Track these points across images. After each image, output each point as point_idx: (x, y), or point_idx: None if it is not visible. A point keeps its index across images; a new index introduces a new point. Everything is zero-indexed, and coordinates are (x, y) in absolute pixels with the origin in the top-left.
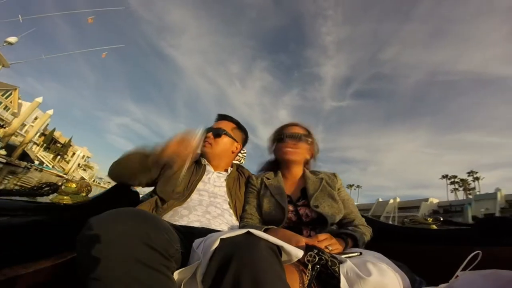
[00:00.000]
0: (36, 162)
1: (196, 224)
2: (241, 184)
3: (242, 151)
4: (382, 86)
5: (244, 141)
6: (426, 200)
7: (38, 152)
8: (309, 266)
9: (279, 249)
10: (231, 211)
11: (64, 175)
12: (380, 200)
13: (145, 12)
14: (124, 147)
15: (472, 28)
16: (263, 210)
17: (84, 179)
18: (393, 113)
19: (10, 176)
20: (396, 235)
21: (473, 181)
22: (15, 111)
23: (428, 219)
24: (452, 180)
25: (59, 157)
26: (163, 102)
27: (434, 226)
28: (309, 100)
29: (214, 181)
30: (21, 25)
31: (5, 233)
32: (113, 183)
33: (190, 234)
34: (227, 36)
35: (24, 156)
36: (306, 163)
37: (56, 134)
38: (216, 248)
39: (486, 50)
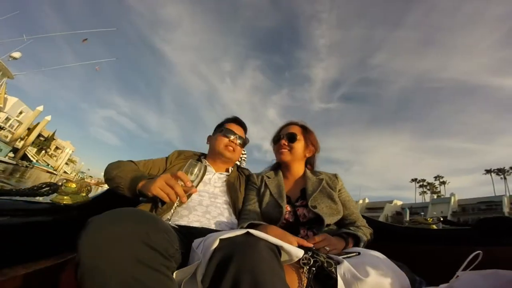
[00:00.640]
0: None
1: (196, 224)
2: (242, 184)
3: (242, 151)
4: (369, 91)
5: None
6: (391, 202)
7: (23, 147)
8: (305, 269)
9: (278, 249)
10: (231, 211)
11: (54, 171)
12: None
13: (138, 4)
14: (109, 140)
15: (459, 38)
16: (262, 209)
17: (66, 173)
18: (378, 117)
19: (16, 176)
20: (396, 235)
21: (440, 185)
22: (1, 105)
23: (428, 219)
24: (421, 183)
25: (43, 151)
26: (151, 96)
27: (434, 226)
28: (298, 100)
29: (215, 182)
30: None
31: (5, 233)
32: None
33: (190, 234)
34: (222, 33)
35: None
36: (309, 162)
37: (32, 122)
38: (215, 248)
39: (471, 59)
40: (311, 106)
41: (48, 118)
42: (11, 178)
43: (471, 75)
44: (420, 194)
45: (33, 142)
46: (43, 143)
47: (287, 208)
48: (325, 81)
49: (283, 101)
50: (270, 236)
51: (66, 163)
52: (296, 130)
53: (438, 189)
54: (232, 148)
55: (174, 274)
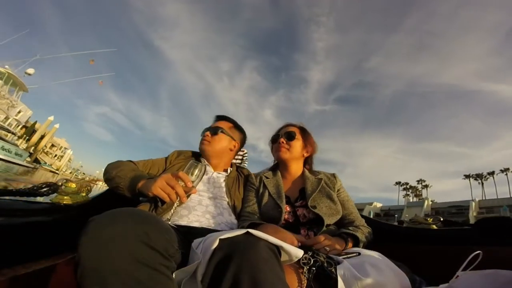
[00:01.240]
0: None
1: (195, 224)
2: (240, 183)
3: (242, 151)
4: (363, 94)
5: (242, 140)
6: (371, 203)
7: (20, 145)
8: (305, 269)
9: (278, 249)
10: (231, 210)
11: (56, 171)
12: None
13: (138, 1)
14: (103, 136)
15: (453, 44)
16: (261, 209)
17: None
18: (371, 120)
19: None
20: (396, 235)
21: (422, 188)
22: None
23: (428, 219)
24: (404, 186)
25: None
26: (146, 93)
27: (434, 226)
28: (294, 102)
29: (214, 182)
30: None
31: (5, 233)
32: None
33: (189, 234)
34: (220, 33)
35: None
36: (306, 162)
37: (36, 125)
38: (215, 248)
39: (464, 65)
40: (307, 108)
41: (57, 126)
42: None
43: (463, 81)
44: (403, 197)
45: (28, 140)
46: (39, 141)
47: (286, 208)
48: (321, 83)
49: (279, 102)
50: (270, 236)
51: (56, 156)
52: (294, 130)
53: (421, 192)
54: (205, 141)
55: (174, 274)
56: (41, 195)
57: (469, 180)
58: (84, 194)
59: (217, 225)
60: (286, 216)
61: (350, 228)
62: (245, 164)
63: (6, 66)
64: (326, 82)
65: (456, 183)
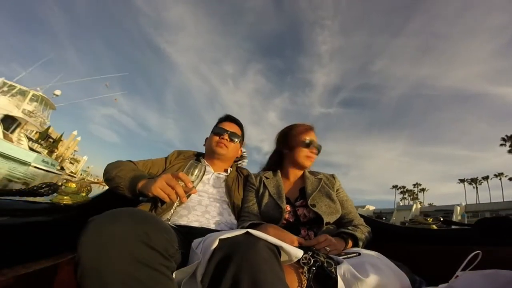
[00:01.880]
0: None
1: (195, 224)
2: (240, 184)
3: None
4: (368, 96)
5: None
6: (363, 206)
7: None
8: (305, 269)
9: (278, 249)
10: (230, 211)
11: (74, 175)
12: None
13: (144, 5)
14: (109, 138)
15: (458, 46)
16: (261, 210)
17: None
18: (376, 123)
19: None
20: (396, 235)
21: (419, 191)
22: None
23: (428, 219)
24: (401, 190)
25: (53, 153)
26: (152, 96)
27: (434, 226)
28: (299, 104)
29: (214, 182)
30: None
31: (5, 233)
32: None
33: (189, 234)
34: (225, 36)
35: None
36: None
37: (50, 129)
38: (215, 249)
39: (468, 68)
40: (311, 110)
41: (79, 138)
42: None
43: (469, 83)
44: (401, 200)
45: (43, 145)
46: (52, 145)
47: (287, 208)
48: (326, 86)
49: (284, 104)
50: (269, 236)
51: (71, 163)
52: (316, 139)
53: (418, 196)
54: (223, 144)
55: (174, 274)
56: (41, 195)
57: (464, 184)
58: (84, 194)
59: (217, 225)
60: (286, 216)
61: (350, 227)
62: (244, 164)
63: (38, 89)
64: (331, 85)
65: (460, 187)
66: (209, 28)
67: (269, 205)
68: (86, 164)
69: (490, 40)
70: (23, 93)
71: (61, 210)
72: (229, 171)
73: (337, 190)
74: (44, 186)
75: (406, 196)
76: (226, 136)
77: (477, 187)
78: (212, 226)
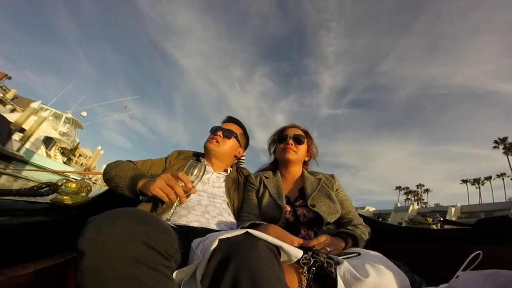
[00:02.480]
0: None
1: (195, 224)
2: (240, 184)
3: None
4: (376, 97)
5: (246, 147)
6: (363, 208)
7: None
8: (305, 269)
9: (278, 249)
10: (230, 211)
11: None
12: None
13: (151, 11)
14: (121, 143)
15: (466, 44)
16: (261, 209)
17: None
18: (385, 123)
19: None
20: (396, 235)
21: (424, 192)
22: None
23: (428, 219)
24: (405, 191)
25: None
26: (162, 100)
27: (434, 226)
28: (306, 106)
29: (213, 182)
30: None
31: (5, 233)
32: None
33: (189, 234)
34: (231, 41)
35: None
36: (305, 164)
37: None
38: (215, 249)
39: (477, 66)
40: (319, 112)
41: (102, 152)
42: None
43: (478, 82)
44: (405, 201)
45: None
46: (69, 153)
47: (287, 208)
48: (333, 87)
49: (291, 106)
50: (269, 236)
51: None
52: (301, 133)
53: (422, 197)
54: (215, 141)
55: (174, 274)
56: (41, 195)
57: (466, 184)
58: (84, 194)
59: (217, 225)
60: (286, 216)
61: (349, 227)
62: (241, 165)
63: (68, 111)
64: (337, 86)
65: (465, 187)
66: (215, 33)
67: (269, 205)
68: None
69: (498, 38)
70: (57, 116)
71: (61, 210)
72: (229, 171)
73: (336, 190)
74: (44, 186)
75: (410, 197)
76: (219, 133)
77: (479, 188)
78: (212, 226)
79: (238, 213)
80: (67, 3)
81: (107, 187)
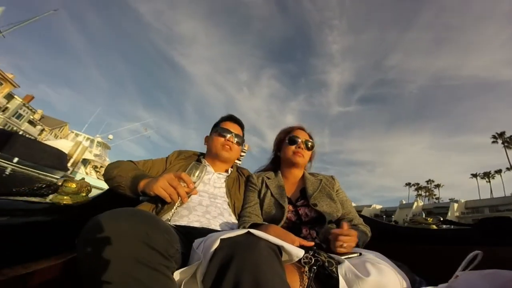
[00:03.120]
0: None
1: (196, 224)
2: (241, 184)
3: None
4: (387, 91)
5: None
6: (369, 206)
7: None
8: (306, 268)
9: (279, 249)
10: (231, 211)
11: None
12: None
13: (155, 22)
14: (136, 152)
15: (474, 34)
16: (263, 209)
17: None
18: (398, 117)
19: None
20: (396, 235)
21: (434, 188)
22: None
23: (428, 219)
24: (416, 187)
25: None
26: (173, 108)
27: (434, 226)
28: (316, 105)
29: (214, 182)
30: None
31: (5, 233)
32: None
33: (190, 234)
34: (236, 45)
35: None
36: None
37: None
38: (216, 249)
39: (489, 55)
40: (330, 110)
41: None
42: None
43: (491, 71)
44: (416, 197)
45: (96, 170)
46: (101, 169)
47: (289, 207)
48: (341, 85)
49: (301, 106)
50: (271, 236)
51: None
52: (310, 138)
53: (434, 192)
54: (228, 147)
55: (174, 274)
56: (41, 195)
57: (476, 179)
58: (84, 194)
59: (218, 225)
60: (288, 216)
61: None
62: (238, 163)
63: (98, 136)
64: (346, 83)
65: (481, 181)
66: (220, 38)
67: (272, 205)
68: None
69: (505, 26)
70: (91, 140)
71: (61, 210)
72: (229, 171)
73: (336, 190)
74: (44, 186)
75: (420, 193)
76: (231, 138)
77: (490, 182)
78: (213, 226)
79: (239, 213)
80: (72, 17)
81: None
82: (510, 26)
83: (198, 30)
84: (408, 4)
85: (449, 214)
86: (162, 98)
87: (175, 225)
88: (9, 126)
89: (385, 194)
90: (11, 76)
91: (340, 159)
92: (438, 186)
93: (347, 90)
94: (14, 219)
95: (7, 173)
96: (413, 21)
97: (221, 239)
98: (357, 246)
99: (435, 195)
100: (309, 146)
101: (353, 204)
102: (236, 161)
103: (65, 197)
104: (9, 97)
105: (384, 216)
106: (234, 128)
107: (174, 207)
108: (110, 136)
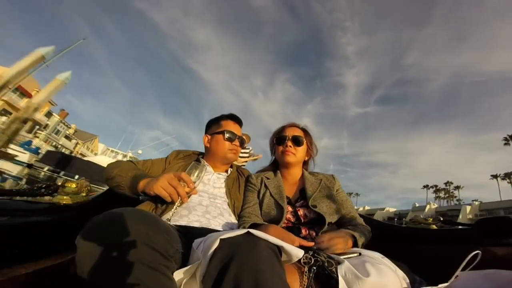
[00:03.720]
0: None
1: (195, 224)
2: (241, 184)
3: (245, 152)
4: (407, 91)
5: None
6: (382, 209)
7: None
8: (306, 268)
9: (279, 249)
10: (230, 211)
11: None
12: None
13: (170, 30)
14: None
15: (491, 29)
16: (262, 210)
17: None
18: (420, 116)
19: None
20: (396, 235)
21: (454, 189)
22: (97, 152)
23: (428, 219)
24: (435, 189)
25: None
26: (191, 115)
27: (434, 226)
28: (333, 107)
29: (214, 182)
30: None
31: (5, 233)
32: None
33: (189, 234)
34: (249, 51)
35: None
36: (305, 164)
37: None
38: (216, 249)
39: (510, 49)
40: (347, 112)
41: None
42: None
43: None
44: (435, 199)
45: None
46: None
47: (288, 208)
48: (359, 86)
49: (317, 109)
50: (270, 236)
51: None
52: (300, 133)
53: (455, 194)
54: (236, 151)
55: (175, 274)
56: (41, 195)
57: (497, 180)
58: (84, 194)
59: (217, 225)
60: (287, 216)
61: (349, 227)
62: (244, 165)
63: (129, 151)
64: (364, 84)
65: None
66: (233, 45)
67: (271, 206)
68: None
69: None
70: (123, 155)
71: (61, 210)
72: (229, 171)
73: (336, 190)
74: (44, 186)
75: (439, 195)
76: (237, 142)
77: (511, 182)
78: (213, 226)
79: (238, 213)
80: (92, 27)
81: (107, 188)
82: None
83: (212, 37)
84: (419, 0)
85: (460, 217)
86: (181, 105)
87: (175, 225)
88: (50, 142)
89: (410, 196)
90: None
91: (360, 161)
92: (457, 187)
93: (365, 91)
94: (14, 219)
95: None
96: (427, 18)
97: (220, 239)
98: (357, 246)
99: (455, 196)
100: (299, 141)
101: (367, 208)
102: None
103: (65, 197)
104: (49, 114)
105: (396, 219)
106: (238, 130)
107: (174, 207)
108: (140, 151)
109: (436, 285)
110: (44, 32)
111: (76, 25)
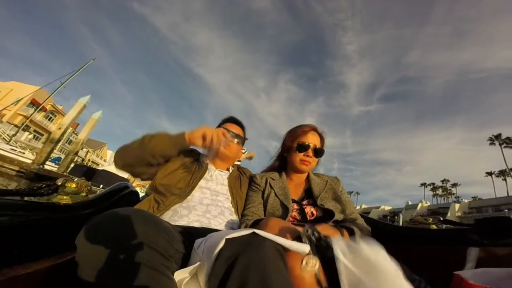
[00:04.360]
0: None
1: (196, 224)
2: (242, 183)
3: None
4: (410, 88)
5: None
6: (378, 207)
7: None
8: (305, 239)
9: (283, 248)
10: (232, 209)
11: None
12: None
13: (172, 35)
14: None
15: (491, 26)
16: (267, 210)
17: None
18: (424, 114)
19: None
20: (396, 235)
21: (451, 187)
22: (106, 158)
23: (429, 219)
24: (432, 187)
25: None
26: (195, 117)
27: (434, 226)
28: (336, 106)
29: (217, 179)
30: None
31: (5, 233)
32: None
33: (190, 234)
34: (251, 53)
35: None
36: None
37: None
38: (221, 249)
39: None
40: (351, 111)
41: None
42: None
43: None
44: (433, 197)
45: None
46: (143, 186)
47: (294, 206)
48: (361, 85)
49: (320, 109)
50: (276, 236)
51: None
52: (321, 143)
53: (453, 191)
54: (229, 146)
55: (175, 274)
56: (41, 195)
57: (491, 177)
58: (84, 194)
59: (218, 224)
60: (293, 214)
61: (347, 223)
62: (239, 163)
63: None
64: (366, 83)
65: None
66: (235, 47)
67: (275, 206)
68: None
69: None
70: None
71: (61, 210)
72: (230, 169)
73: (340, 191)
74: (44, 186)
75: (437, 192)
76: (233, 138)
77: (506, 180)
78: (213, 226)
79: (241, 212)
80: (95, 35)
81: (106, 187)
82: None
83: (213, 40)
84: None
85: (448, 214)
86: (184, 107)
87: (175, 225)
88: (64, 151)
89: (416, 193)
90: (60, 108)
91: (365, 159)
92: (455, 185)
93: (367, 89)
94: (14, 219)
95: None
96: (427, 16)
97: (226, 239)
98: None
99: (453, 194)
100: (320, 153)
101: (364, 206)
102: (237, 163)
103: (65, 197)
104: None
105: (389, 217)
106: (234, 128)
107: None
108: None
109: (436, 285)
110: (47, 38)
111: (81, 32)
